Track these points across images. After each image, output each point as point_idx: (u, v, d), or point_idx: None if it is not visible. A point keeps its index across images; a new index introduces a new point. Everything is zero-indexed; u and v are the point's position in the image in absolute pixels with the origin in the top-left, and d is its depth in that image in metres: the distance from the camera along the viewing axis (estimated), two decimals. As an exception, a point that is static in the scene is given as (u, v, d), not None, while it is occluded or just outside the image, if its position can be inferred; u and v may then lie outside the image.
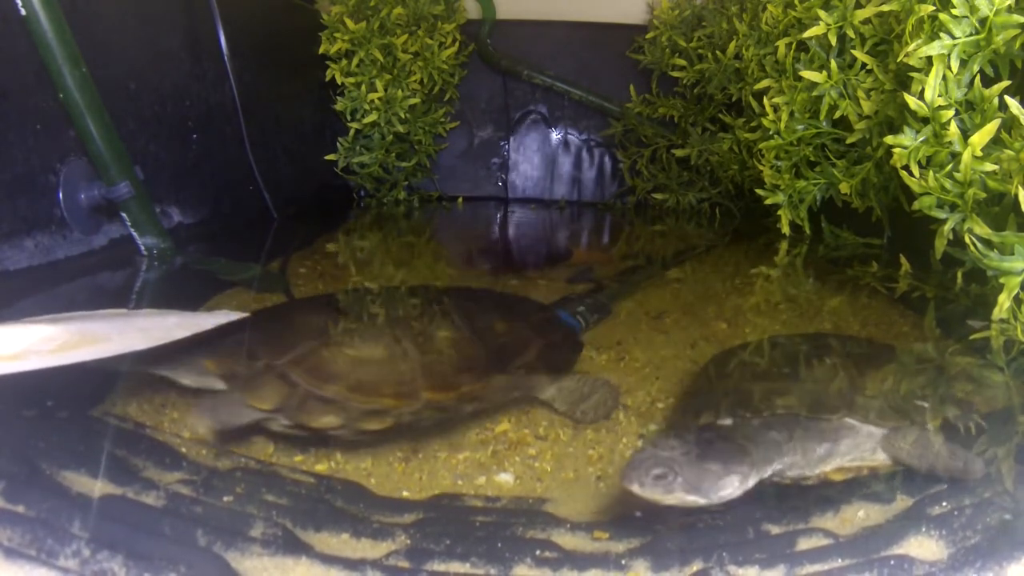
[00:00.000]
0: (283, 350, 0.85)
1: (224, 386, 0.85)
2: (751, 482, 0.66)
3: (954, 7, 1.06)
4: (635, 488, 0.62)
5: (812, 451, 0.73)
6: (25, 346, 0.76)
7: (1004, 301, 0.99)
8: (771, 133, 1.70)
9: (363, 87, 2.25)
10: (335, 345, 0.88)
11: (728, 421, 0.77)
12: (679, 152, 2.37)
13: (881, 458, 0.75)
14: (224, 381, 0.85)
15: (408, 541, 0.64)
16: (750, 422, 0.75)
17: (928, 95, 1.10)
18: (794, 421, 0.74)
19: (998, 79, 1.07)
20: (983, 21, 1.05)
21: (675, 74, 2.32)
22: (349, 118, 2.31)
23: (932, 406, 0.79)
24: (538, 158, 2.71)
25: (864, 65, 1.49)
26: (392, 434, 0.84)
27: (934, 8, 1.09)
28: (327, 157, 2.37)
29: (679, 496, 0.62)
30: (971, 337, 1.06)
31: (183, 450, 0.80)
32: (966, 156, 1.05)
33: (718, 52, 2.13)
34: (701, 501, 0.63)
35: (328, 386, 0.81)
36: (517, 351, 0.96)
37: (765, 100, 1.72)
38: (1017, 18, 1.02)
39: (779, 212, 1.79)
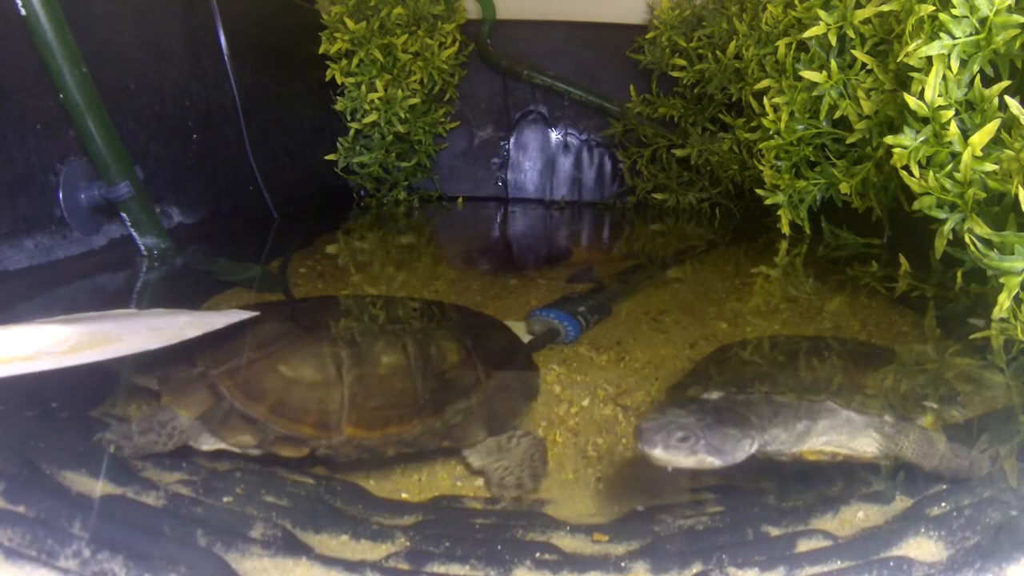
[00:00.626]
0: (222, 359, 0.82)
1: (157, 388, 0.82)
2: (756, 447, 0.68)
3: (954, 7, 1.06)
4: (658, 451, 0.65)
5: (792, 427, 0.74)
6: (38, 347, 0.76)
7: (1004, 301, 0.99)
8: (771, 133, 1.70)
9: (363, 87, 2.25)
10: (275, 359, 0.82)
11: (715, 395, 0.78)
12: (679, 152, 2.37)
13: (861, 446, 0.76)
14: (158, 384, 0.82)
15: (408, 543, 0.64)
16: (738, 396, 0.77)
17: (928, 95, 1.10)
18: (776, 401, 0.76)
19: (998, 79, 1.07)
20: (983, 21, 1.05)
21: (675, 74, 2.32)
22: (349, 118, 2.31)
23: (922, 400, 0.80)
24: (538, 158, 2.71)
25: (864, 65, 1.49)
26: (308, 463, 0.80)
27: (934, 8, 1.09)
28: (327, 157, 2.37)
29: (700, 458, 0.65)
30: (971, 337, 1.06)
31: (183, 450, 0.80)
32: (966, 156, 1.05)
33: (718, 52, 2.13)
34: (718, 463, 0.66)
35: (253, 404, 0.77)
36: (462, 392, 0.87)
37: (765, 100, 1.72)
38: (1017, 18, 1.02)
39: (779, 212, 1.79)
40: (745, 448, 0.66)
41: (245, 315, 0.96)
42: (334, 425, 0.78)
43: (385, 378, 0.83)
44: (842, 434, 0.76)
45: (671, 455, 0.65)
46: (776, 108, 1.69)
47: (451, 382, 0.87)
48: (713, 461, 0.66)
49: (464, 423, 0.84)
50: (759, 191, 1.81)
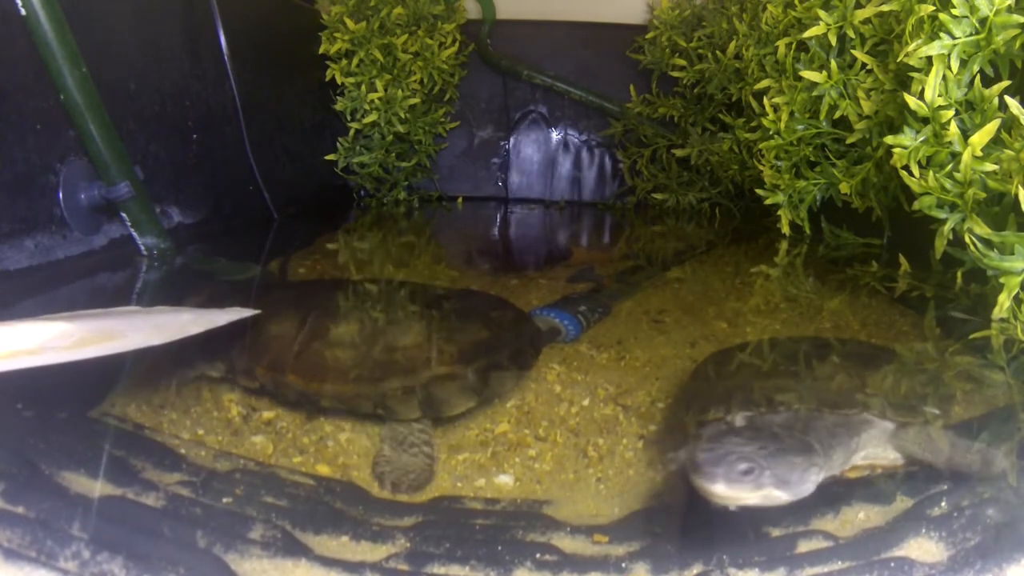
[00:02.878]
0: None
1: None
2: (822, 476, 0.62)
3: (954, 7, 1.06)
4: (719, 487, 0.57)
5: (848, 447, 0.70)
6: (43, 342, 0.77)
7: (1004, 301, 0.99)
8: (771, 133, 1.70)
9: (363, 87, 2.25)
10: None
11: (743, 416, 0.73)
12: (679, 152, 2.37)
13: (892, 456, 0.74)
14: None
15: (408, 544, 0.64)
16: (777, 417, 0.71)
17: (928, 95, 1.10)
18: (827, 418, 0.71)
19: (998, 79, 1.07)
20: (983, 21, 1.05)
21: (675, 74, 2.32)
22: (349, 118, 2.31)
23: (941, 403, 0.79)
24: (538, 158, 2.71)
25: (864, 65, 1.48)
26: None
27: (934, 8, 1.09)
28: (327, 157, 2.37)
29: (767, 492, 0.58)
30: (971, 337, 1.06)
31: (182, 451, 0.80)
32: (966, 156, 1.05)
33: (718, 52, 2.13)
34: (785, 497, 0.58)
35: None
36: (408, 369, 0.90)
37: (765, 100, 1.72)
38: (1017, 18, 1.02)
39: (779, 212, 1.79)
40: (812, 478, 0.59)
41: (247, 312, 0.97)
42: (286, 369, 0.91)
43: (339, 344, 0.93)
44: (878, 446, 0.73)
45: (735, 491, 0.57)
46: (776, 108, 1.69)
47: (402, 359, 0.92)
48: (780, 495, 0.58)
49: (401, 398, 0.88)
50: (759, 191, 1.81)
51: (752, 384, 0.80)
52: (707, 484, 0.58)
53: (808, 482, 0.59)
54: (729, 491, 0.57)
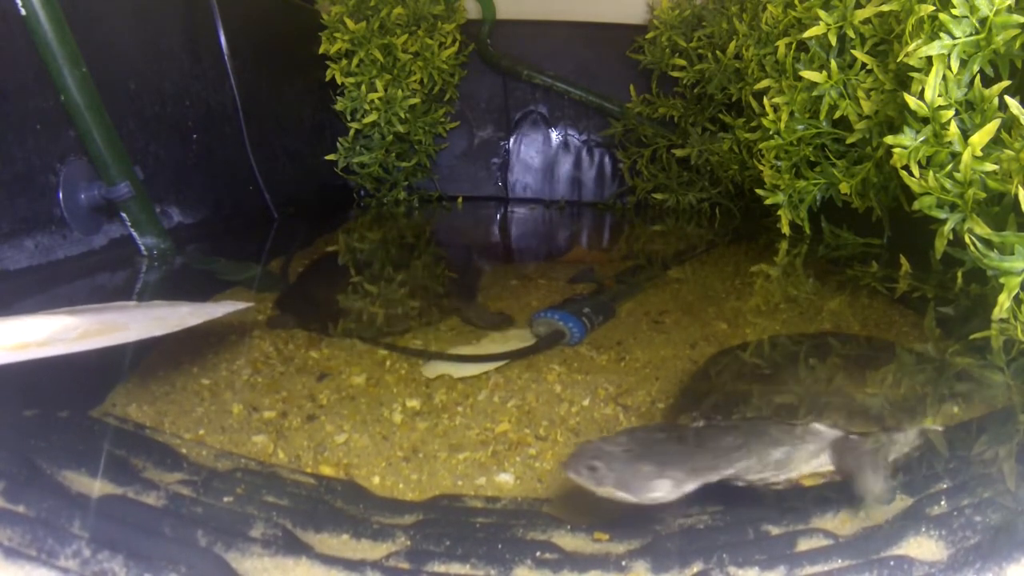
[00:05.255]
0: None
1: None
2: (689, 486, 0.64)
3: (954, 7, 1.06)
4: (571, 475, 0.64)
5: (768, 456, 0.70)
6: (49, 334, 0.78)
7: (1004, 301, 0.99)
8: (771, 133, 1.70)
9: (363, 87, 2.25)
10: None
11: (701, 423, 0.75)
12: (679, 152, 2.37)
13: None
14: None
15: (408, 542, 0.64)
16: (714, 426, 0.74)
17: (928, 95, 1.10)
18: (753, 426, 0.73)
19: (998, 79, 1.07)
20: (983, 21, 1.05)
21: (675, 74, 2.32)
22: (349, 118, 2.31)
23: (911, 412, 0.78)
24: (538, 158, 2.71)
25: (864, 65, 1.49)
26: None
27: (934, 8, 1.09)
28: (327, 157, 2.37)
29: (609, 490, 0.62)
30: (971, 337, 1.06)
31: (183, 450, 0.80)
32: (966, 156, 1.05)
33: (718, 52, 2.13)
34: (630, 499, 0.63)
35: None
36: None
37: (765, 100, 1.72)
38: (1017, 18, 1.02)
39: (779, 212, 1.79)
40: (665, 487, 0.62)
41: (241, 306, 1.03)
42: None
43: None
44: (825, 456, 0.73)
45: (583, 481, 0.63)
46: (776, 108, 1.69)
47: None
48: (624, 496, 0.62)
49: None
50: (759, 191, 1.81)
51: (728, 388, 0.82)
52: (565, 468, 0.65)
53: (654, 490, 0.62)
54: (578, 480, 0.63)
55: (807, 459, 0.72)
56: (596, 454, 0.63)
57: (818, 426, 0.72)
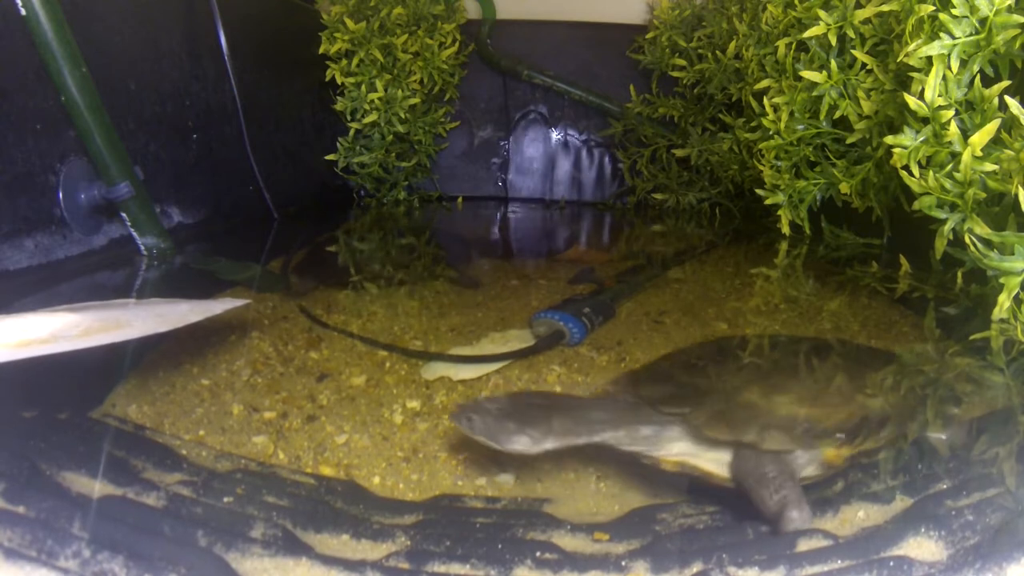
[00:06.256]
0: None
1: None
2: (548, 444, 0.73)
3: (954, 7, 1.06)
4: (453, 421, 0.76)
5: (637, 431, 0.76)
6: (53, 331, 0.78)
7: (1004, 301, 0.99)
8: (771, 133, 1.70)
9: (363, 87, 2.25)
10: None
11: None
12: (679, 152, 2.37)
13: (707, 466, 0.76)
14: None
15: (408, 542, 0.64)
16: (592, 401, 0.86)
17: (928, 95, 1.10)
18: (627, 405, 0.81)
19: (998, 79, 1.07)
20: (983, 21, 1.05)
21: (675, 74, 2.32)
22: (349, 118, 2.31)
23: (820, 434, 0.76)
24: (538, 158, 2.71)
25: (864, 65, 1.49)
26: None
27: (934, 8, 1.09)
28: (327, 157, 2.37)
29: (481, 438, 0.73)
30: (971, 337, 1.06)
31: (183, 451, 0.80)
32: (966, 156, 1.05)
33: (718, 52, 2.13)
34: (495, 447, 0.73)
35: None
36: None
37: (765, 100, 1.72)
38: (1017, 18, 1.02)
39: (779, 212, 1.79)
40: (521, 442, 0.72)
41: (239, 303, 1.04)
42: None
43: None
44: (694, 449, 0.76)
45: (462, 428, 0.74)
46: (776, 108, 1.69)
47: None
48: (491, 444, 0.73)
49: None
50: (759, 191, 1.81)
51: (666, 377, 0.89)
52: (451, 416, 0.77)
53: (515, 444, 0.72)
54: (457, 425, 0.75)
55: (672, 442, 0.77)
56: (476, 409, 0.74)
57: (682, 427, 0.77)
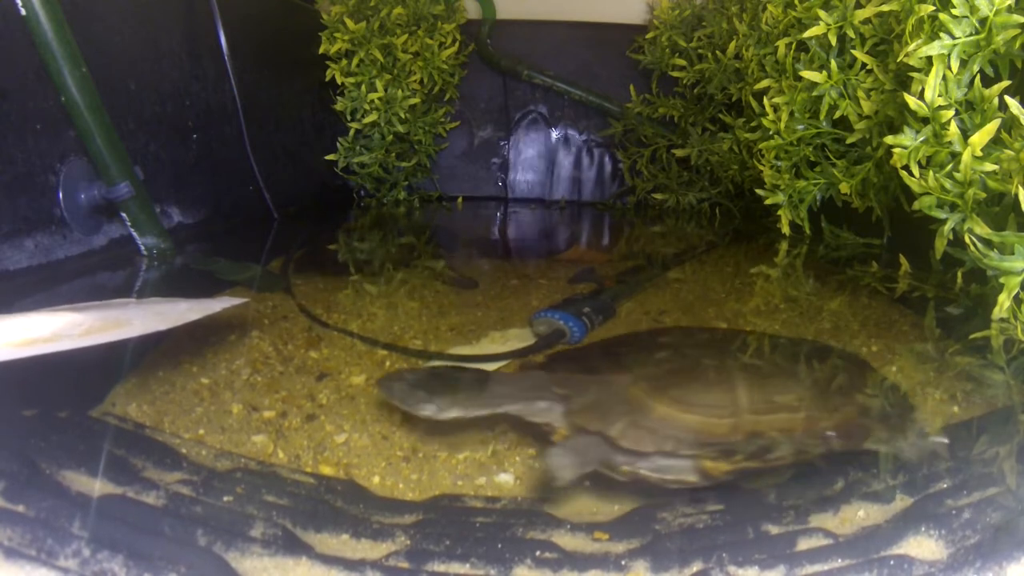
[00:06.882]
0: None
1: None
2: (453, 413, 0.81)
3: (954, 7, 1.06)
4: (377, 384, 0.87)
5: (534, 406, 0.83)
6: (55, 330, 0.79)
7: (1004, 301, 0.99)
8: (771, 133, 1.70)
9: (363, 87, 2.25)
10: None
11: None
12: (679, 152, 2.37)
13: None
14: None
15: (408, 542, 0.64)
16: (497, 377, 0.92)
17: (928, 95, 1.10)
18: (531, 381, 0.88)
19: (998, 79, 1.07)
20: (983, 21, 1.05)
21: (675, 74, 2.32)
22: (349, 118, 2.31)
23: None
24: (538, 158, 2.71)
25: (864, 65, 1.49)
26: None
27: (934, 8, 1.09)
28: (327, 157, 2.37)
29: (396, 402, 0.83)
30: (971, 337, 1.06)
31: (183, 450, 0.80)
32: (966, 156, 1.05)
33: (718, 52, 2.13)
34: (409, 411, 0.82)
35: None
36: None
37: (765, 100, 1.72)
38: (1017, 18, 1.02)
39: (779, 212, 1.79)
40: (428, 409, 0.81)
41: (237, 301, 1.05)
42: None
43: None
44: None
45: (383, 394, 0.84)
46: (776, 108, 1.70)
47: None
48: (405, 408, 0.82)
49: None
50: (759, 191, 1.81)
51: (582, 357, 0.98)
52: (377, 383, 0.88)
53: (423, 410, 0.81)
54: (380, 391, 0.86)
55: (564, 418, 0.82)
56: (397, 378, 0.85)
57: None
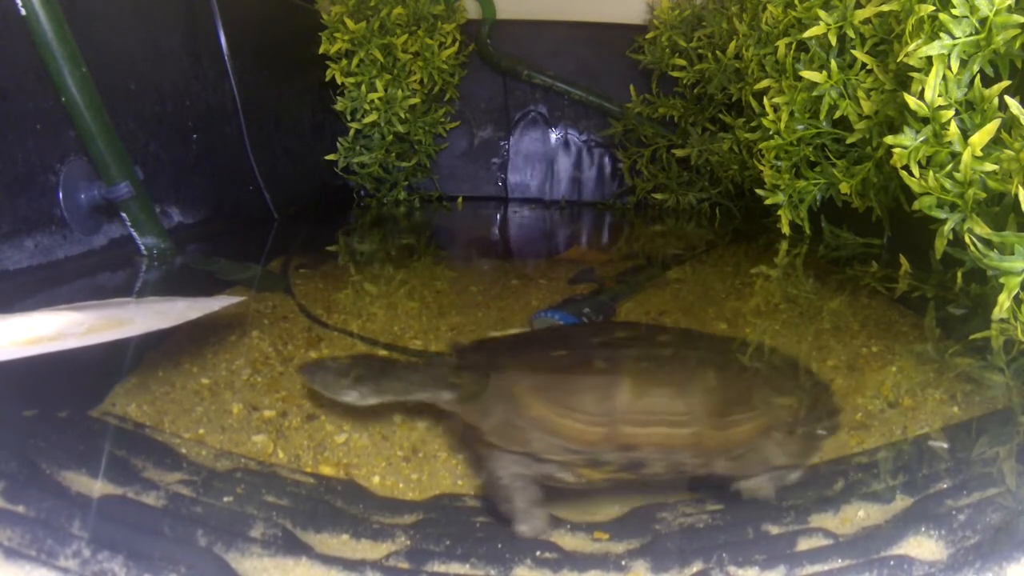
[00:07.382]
0: None
1: None
2: (372, 400, 0.84)
3: (954, 7, 1.06)
4: (300, 371, 0.91)
5: (441, 395, 0.84)
6: (59, 329, 0.79)
7: (1004, 301, 0.99)
8: (771, 133, 1.70)
9: (363, 87, 2.25)
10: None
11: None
12: (679, 152, 2.37)
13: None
14: None
15: (408, 542, 0.64)
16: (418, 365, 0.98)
17: (928, 95, 1.10)
18: (444, 371, 0.88)
19: (998, 79, 1.07)
20: (983, 21, 1.05)
21: (675, 74, 2.32)
22: (349, 118, 2.31)
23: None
24: (538, 158, 2.71)
25: (864, 65, 1.49)
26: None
27: (934, 8, 1.09)
28: (327, 157, 2.37)
29: (318, 388, 0.85)
30: (971, 337, 1.06)
31: (183, 450, 0.80)
32: (966, 156, 1.05)
33: (718, 52, 2.13)
34: (328, 395, 0.85)
35: None
36: None
37: (765, 100, 1.72)
38: (1017, 18, 1.02)
39: (779, 212, 1.79)
40: (351, 396, 0.84)
41: (235, 300, 1.08)
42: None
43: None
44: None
45: (306, 380, 0.87)
46: (776, 108, 1.69)
47: None
48: (328, 395, 0.85)
49: None
50: (759, 191, 1.81)
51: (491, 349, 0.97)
52: (302, 369, 0.92)
53: (345, 397, 0.84)
54: (303, 377, 0.89)
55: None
56: (320, 366, 0.87)
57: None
